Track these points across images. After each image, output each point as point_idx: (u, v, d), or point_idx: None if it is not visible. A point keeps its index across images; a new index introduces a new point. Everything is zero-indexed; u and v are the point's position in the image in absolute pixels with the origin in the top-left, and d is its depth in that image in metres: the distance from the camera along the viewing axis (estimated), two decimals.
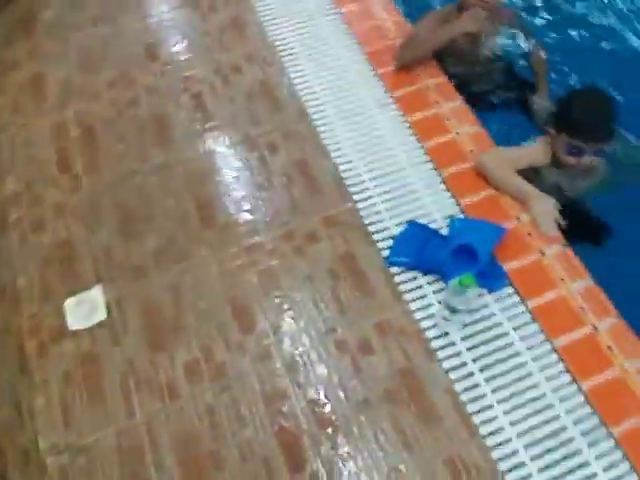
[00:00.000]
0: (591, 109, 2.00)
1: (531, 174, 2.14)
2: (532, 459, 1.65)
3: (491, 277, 1.92)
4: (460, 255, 1.89)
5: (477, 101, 2.52)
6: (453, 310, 1.77)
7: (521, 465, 1.64)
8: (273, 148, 2.34)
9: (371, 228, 2.09)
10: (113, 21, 2.86)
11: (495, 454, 1.65)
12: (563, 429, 1.69)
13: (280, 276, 2.02)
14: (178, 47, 2.73)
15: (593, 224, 2.30)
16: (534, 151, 2.13)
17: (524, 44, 2.75)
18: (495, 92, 2.68)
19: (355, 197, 2.17)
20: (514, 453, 1.66)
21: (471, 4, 2.39)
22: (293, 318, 1.93)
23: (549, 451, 1.66)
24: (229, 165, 2.32)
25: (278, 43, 2.67)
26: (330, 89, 2.50)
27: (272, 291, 1.99)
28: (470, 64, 2.61)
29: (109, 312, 1.98)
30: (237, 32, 2.75)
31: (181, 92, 2.55)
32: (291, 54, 2.63)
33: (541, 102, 2.60)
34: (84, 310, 2.00)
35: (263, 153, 2.33)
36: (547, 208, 2.02)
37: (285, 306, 1.95)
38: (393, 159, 2.26)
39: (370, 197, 2.16)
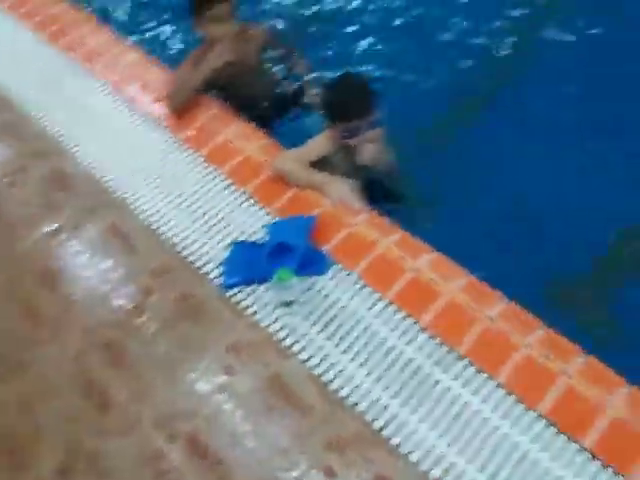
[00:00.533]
0: (345, 91, 2.17)
1: (327, 166, 2.24)
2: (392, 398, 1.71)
3: (314, 264, 1.98)
4: (280, 254, 1.95)
5: (264, 119, 2.64)
6: (286, 304, 1.83)
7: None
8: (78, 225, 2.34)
9: (198, 263, 2.12)
10: None
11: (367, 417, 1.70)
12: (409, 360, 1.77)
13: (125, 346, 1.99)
14: None
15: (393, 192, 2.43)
16: (318, 143, 2.25)
17: (287, 57, 2.93)
18: (276, 106, 2.82)
19: (172, 241, 2.19)
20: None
21: (217, 38, 2.51)
22: (155, 377, 1.91)
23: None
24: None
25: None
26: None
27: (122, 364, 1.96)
28: (244, 86, 2.72)
29: None
30: None
31: None
32: None
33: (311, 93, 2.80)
34: None
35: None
36: (342, 187, 2.15)
37: (147, 369, 1.93)
38: (196, 194, 2.32)
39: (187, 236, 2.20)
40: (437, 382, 1.72)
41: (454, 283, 1.90)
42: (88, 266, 2.21)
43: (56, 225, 2.34)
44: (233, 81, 2.65)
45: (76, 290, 2.17)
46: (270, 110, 2.78)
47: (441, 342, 1.79)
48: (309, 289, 1.95)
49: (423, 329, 1.82)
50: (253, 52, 2.74)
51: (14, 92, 2.89)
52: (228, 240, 2.14)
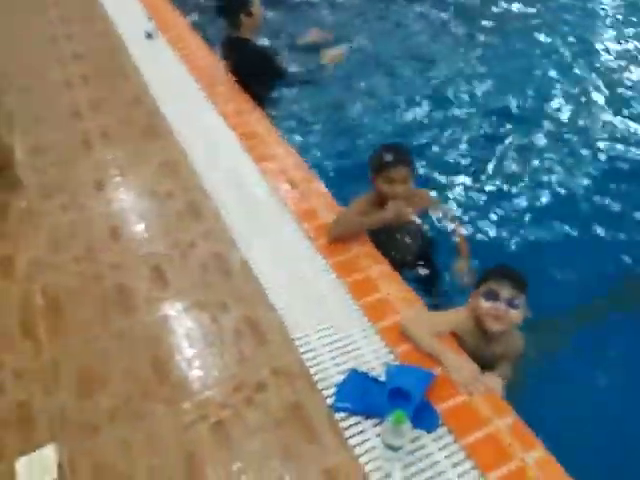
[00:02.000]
0: (500, 265, 2.23)
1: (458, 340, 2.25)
2: None
3: (426, 418, 1.96)
4: (396, 398, 1.94)
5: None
6: (392, 448, 1.79)
7: None
8: (224, 309, 2.45)
9: (316, 377, 2.14)
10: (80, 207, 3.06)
11: None
12: None
13: (231, 428, 2.02)
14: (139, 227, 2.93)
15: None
16: (455, 315, 2.26)
17: (446, 223, 3.04)
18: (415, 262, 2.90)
19: (301, 349, 2.25)
20: None
21: (390, 197, 2.67)
22: (243, 471, 1.90)
23: None
24: (184, 326, 2.40)
25: (229, 223, 2.91)
26: (274, 257, 2.70)
27: (223, 444, 1.97)
28: (394, 240, 2.83)
29: (60, 472, 1.90)
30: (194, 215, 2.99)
31: (141, 264, 2.69)
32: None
33: (460, 270, 2.82)
34: (35, 470, 1.91)
35: (214, 314, 2.43)
36: (463, 370, 2.10)
37: (236, 460, 1.92)
38: (332, 314, 2.39)
39: (314, 348, 2.26)
40: None
41: None
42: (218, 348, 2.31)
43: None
44: (388, 232, 2.78)
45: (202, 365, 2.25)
46: (409, 265, 2.86)
47: None
48: (415, 441, 1.92)
49: None
50: (415, 213, 2.85)
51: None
52: (349, 365, 2.18)
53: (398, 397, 1.95)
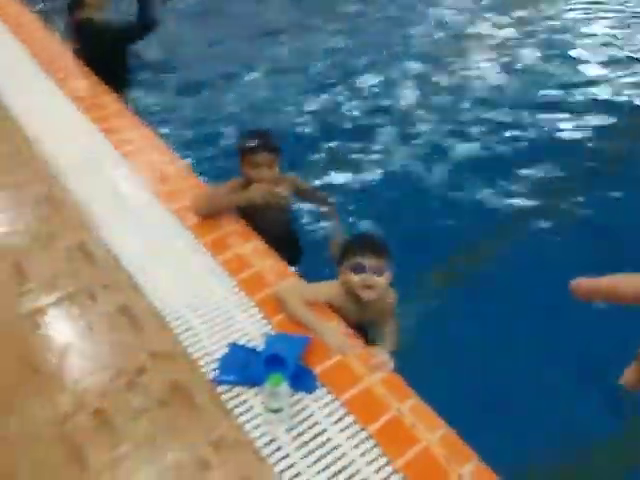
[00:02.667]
0: (358, 236, 2.38)
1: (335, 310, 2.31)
2: None
3: (304, 381, 2.01)
4: (273, 365, 1.97)
5: None
6: (273, 411, 1.83)
7: None
8: (93, 297, 2.33)
9: (195, 355, 2.12)
10: None
11: None
12: None
13: (113, 414, 1.94)
14: None
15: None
16: (329, 288, 2.32)
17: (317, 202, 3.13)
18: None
19: (177, 330, 2.21)
20: None
21: (253, 180, 2.66)
22: (129, 454, 1.83)
23: None
24: (52, 319, 2.25)
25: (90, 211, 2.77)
26: (142, 241, 2.61)
27: (106, 430, 1.89)
28: (265, 222, 2.81)
29: None
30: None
31: None
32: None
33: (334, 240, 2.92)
34: None
35: (84, 303, 2.31)
36: (337, 338, 2.17)
37: (121, 444, 1.85)
38: (208, 293, 2.37)
39: (191, 327, 2.22)
40: None
41: (433, 434, 1.94)
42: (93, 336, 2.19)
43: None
44: (257, 215, 2.78)
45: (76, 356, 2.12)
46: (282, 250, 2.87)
47: None
48: (296, 405, 1.96)
49: (396, 470, 1.83)
50: (281, 197, 2.83)
51: None
52: (228, 340, 2.17)
53: (275, 363, 1.98)
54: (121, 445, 1.84)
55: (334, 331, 2.20)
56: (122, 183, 2.95)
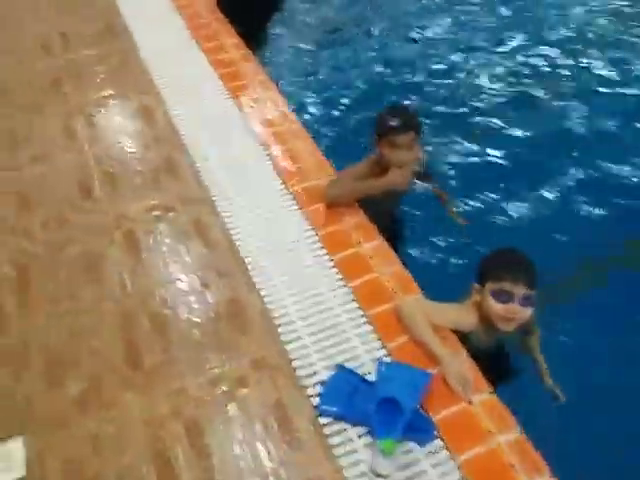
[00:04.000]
0: (509, 254, 1.91)
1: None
2: None
3: (419, 429, 1.69)
4: (386, 407, 1.67)
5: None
6: (379, 475, 1.54)
7: None
8: (206, 286, 2.12)
9: (300, 372, 1.85)
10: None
11: None
12: None
13: (206, 425, 1.74)
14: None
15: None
16: (459, 311, 1.95)
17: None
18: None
19: (284, 338, 1.94)
20: None
21: (394, 164, 2.28)
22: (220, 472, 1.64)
23: None
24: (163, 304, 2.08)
25: (207, 182, 2.53)
26: (257, 225, 2.34)
27: (197, 441, 1.70)
28: (386, 205, 2.50)
29: (28, 468, 1.65)
30: (170, 174, 2.58)
31: (114, 230, 2.33)
32: (219, 193, 2.48)
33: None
34: (1, 466, 1.65)
35: (198, 289, 2.11)
36: (459, 366, 1.82)
37: (212, 460, 1.66)
38: (320, 297, 2.08)
39: (299, 337, 1.95)
40: None
41: None
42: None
43: None
44: (373, 202, 2.40)
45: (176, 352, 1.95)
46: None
47: None
48: (406, 467, 1.64)
49: None
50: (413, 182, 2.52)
51: None
52: (336, 359, 1.88)
53: (388, 405, 1.67)
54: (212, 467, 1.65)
55: (461, 366, 1.84)
56: (247, 154, 2.68)
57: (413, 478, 1.62)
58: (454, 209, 2.76)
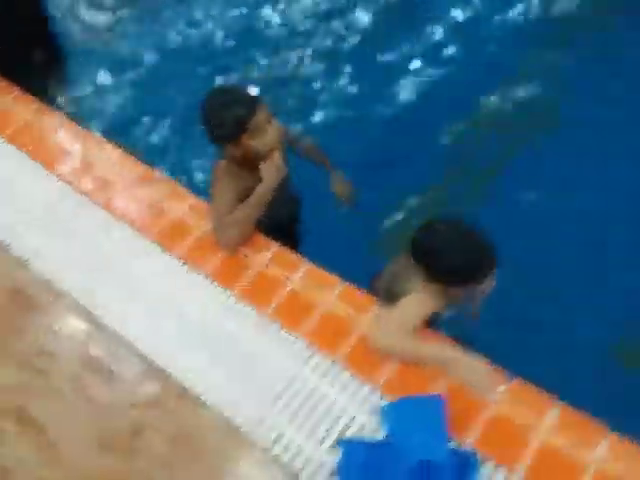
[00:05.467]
0: (461, 247, 1.50)
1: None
2: None
3: (462, 471, 1.37)
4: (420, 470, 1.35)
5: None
6: None
7: None
8: None
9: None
10: None
11: None
12: None
13: None
14: None
15: None
16: (423, 301, 1.59)
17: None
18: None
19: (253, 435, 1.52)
20: None
21: (264, 151, 1.83)
22: None
23: None
24: None
25: None
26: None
27: None
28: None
29: None
30: None
31: None
32: None
33: (339, 184, 2.26)
34: None
35: None
36: (474, 364, 1.51)
37: None
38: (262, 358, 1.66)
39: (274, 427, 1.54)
40: None
41: None
42: None
43: None
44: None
45: None
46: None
47: None
48: None
49: None
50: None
51: None
52: (328, 440, 1.49)
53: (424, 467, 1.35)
54: None
55: (477, 365, 1.51)
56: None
57: None
58: (341, 181, 2.30)
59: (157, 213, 2.05)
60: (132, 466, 1.54)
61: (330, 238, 2.32)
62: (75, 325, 1.84)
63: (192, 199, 2.08)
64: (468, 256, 1.48)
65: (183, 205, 2.06)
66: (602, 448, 1.39)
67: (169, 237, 1.98)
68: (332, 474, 1.43)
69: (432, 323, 1.68)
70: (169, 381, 1.66)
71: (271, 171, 1.83)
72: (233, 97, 1.80)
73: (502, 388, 1.50)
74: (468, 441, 1.43)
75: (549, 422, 1.45)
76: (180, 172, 2.72)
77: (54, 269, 1.95)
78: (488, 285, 1.55)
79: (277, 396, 1.59)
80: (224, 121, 1.76)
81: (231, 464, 1.52)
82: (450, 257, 1.49)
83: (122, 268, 1.93)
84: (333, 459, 1.45)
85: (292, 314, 1.74)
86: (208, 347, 1.71)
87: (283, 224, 2.14)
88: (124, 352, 1.74)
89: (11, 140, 2.36)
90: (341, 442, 1.47)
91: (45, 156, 2.28)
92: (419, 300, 1.60)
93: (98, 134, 2.58)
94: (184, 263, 1.91)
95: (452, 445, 1.42)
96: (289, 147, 2.13)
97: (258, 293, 1.80)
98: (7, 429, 1.65)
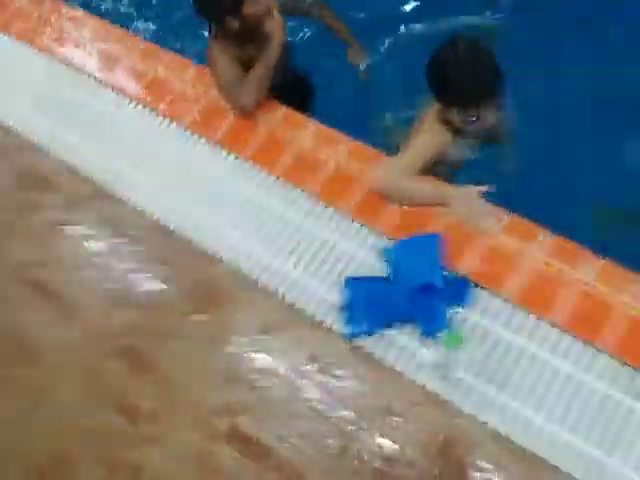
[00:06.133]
0: (470, 67, 1.46)
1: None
2: None
3: (456, 294, 1.50)
4: (419, 295, 1.48)
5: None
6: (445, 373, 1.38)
7: None
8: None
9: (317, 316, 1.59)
10: None
11: None
12: None
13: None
14: None
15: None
16: (427, 141, 1.61)
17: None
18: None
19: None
20: None
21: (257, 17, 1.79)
22: None
23: None
24: None
25: None
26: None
27: None
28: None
29: None
30: None
31: None
32: None
33: (359, 56, 2.26)
34: None
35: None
36: (474, 199, 1.58)
37: None
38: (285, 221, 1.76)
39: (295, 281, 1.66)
40: None
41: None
42: None
43: None
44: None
45: None
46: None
47: None
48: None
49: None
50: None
51: None
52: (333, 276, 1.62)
53: (420, 292, 1.47)
54: None
55: (472, 198, 1.58)
56: None
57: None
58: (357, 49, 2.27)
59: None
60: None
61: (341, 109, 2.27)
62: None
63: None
64: (476, 73, 1.46)
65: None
66: (587, 269, 1.48)
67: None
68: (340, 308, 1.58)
69: (446, 173, 1.72)
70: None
71: (278, 27, 1.81)
72: None
73: (498, 223, 1.58)
74: (462, 268, 1.54)
75: (539, 248, 1.53)
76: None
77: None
78: (490, 116, 1.55)
79: (285, 247, 1.71)
80: None
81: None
82: (459, 73, 1.47)
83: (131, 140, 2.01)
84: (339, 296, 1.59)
85: (300, 171, 1.81)
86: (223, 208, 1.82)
87: (289, 92, 2.15)
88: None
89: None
90: (346, 280, 1.60)
91: None
92: (422, 140, 1.63)
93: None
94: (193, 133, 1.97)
95: (446, 273, 1.53)
96: (305, 15, 2.17)
97: (268, 154, 1.86)
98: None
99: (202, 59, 2.00)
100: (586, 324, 1.42)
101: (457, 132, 1.61)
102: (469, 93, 1.48)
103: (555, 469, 1.30)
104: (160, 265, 1.79)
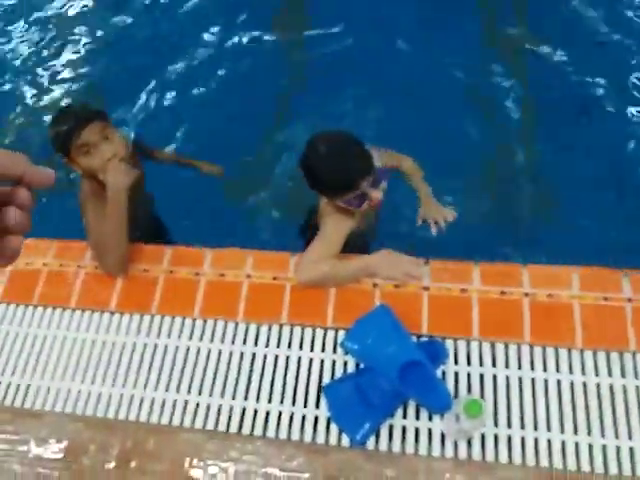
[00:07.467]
0: (332, 162, 1.50)
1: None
2: None
3: (436, 356, 1.48)
4: (404, 377, 1.42)
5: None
6: (467, 434, 1.36)
7: None
8: None
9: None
10: None
11: None
12: None
13: None
14: None
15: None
16: (333, 230, 1.62)
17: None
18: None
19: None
20: None
21: (102, 169, 1.64)
22: None
23: None
24: None
25: None
26: None
27: None
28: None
29: None
30: None
31: None
32: None
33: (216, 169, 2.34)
34: None
35: None
36: (391, 259, 1.63)
37: None
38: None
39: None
40: None
41: None
42: None
43: None
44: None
45: None
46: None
47: None
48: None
49: None
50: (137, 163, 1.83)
51: None
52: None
53: (406, 371, 1.43)
54: None
55: (392, 257, 1.63)
56: None
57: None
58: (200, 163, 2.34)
59: None
60: None
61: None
62: None
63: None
64: (333, 166, 1.49)
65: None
66: (525, 282, 1.59)
67: None
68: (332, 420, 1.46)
69: (361, 245, 1.75)
70: None
71: (113, 178, 1.64)
72: (65, 110, 1.73)
73: (424, 267, 1.62)
74: (423, 328, 1.54)
75: (476, 282, 1.60)
76: None
77: None
78: (375, 193, 1.56)
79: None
80: (53, 136, 1.64)
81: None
82: (320, 170, 1.52)
83: None
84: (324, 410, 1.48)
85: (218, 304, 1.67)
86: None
87: (151, 225, 2.02)
88: None
89: None
90: (325, 389, 1.49)
91: None
92: (332, 225, 1.63)
93: None
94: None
95: (415, 339, 1.52)
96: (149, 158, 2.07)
97: (178, 300, 1.70)
98: None
99: None
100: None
101: (354, 212, 1.63)
102: (340, 184, 1.52)
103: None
104: None
